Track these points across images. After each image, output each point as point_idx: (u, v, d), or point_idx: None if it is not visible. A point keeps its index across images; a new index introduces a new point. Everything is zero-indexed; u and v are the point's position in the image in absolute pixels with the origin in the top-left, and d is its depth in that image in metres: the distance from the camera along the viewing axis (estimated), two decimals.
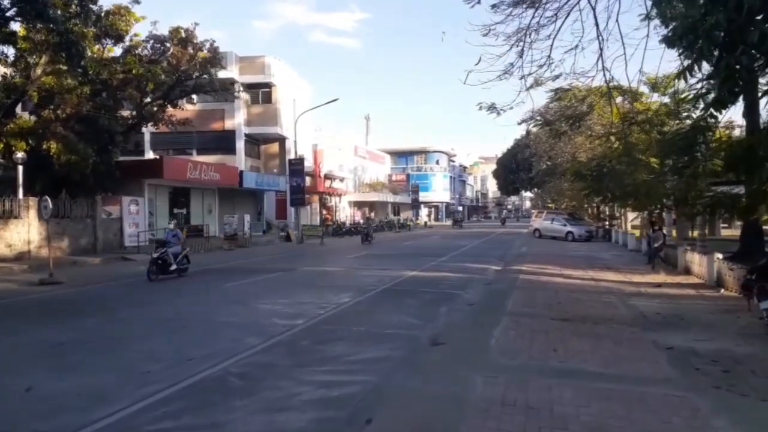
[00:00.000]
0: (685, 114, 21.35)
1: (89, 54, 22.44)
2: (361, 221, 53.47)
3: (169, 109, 26.55)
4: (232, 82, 37.29)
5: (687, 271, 16.93)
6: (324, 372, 6.56)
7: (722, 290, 13.16)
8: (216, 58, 24.79)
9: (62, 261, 20.74)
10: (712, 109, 7.17)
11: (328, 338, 8.16)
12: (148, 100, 25.13)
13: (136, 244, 25.09)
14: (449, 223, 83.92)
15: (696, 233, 28.41)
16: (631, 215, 38.13)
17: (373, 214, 62.51)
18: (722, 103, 6.86)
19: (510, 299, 11.76)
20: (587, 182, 16.35)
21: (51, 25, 17.63)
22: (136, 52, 24.58)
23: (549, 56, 13.95)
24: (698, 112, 15.28)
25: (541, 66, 14.61)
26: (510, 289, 13.26)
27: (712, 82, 11.76)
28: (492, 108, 16.35)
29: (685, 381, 6.30)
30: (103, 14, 21.15)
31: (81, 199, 23.84)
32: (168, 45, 24.67)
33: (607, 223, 40.31)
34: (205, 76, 24.84)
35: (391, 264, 19.58)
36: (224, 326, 9.08)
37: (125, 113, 25.82)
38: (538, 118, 13.82)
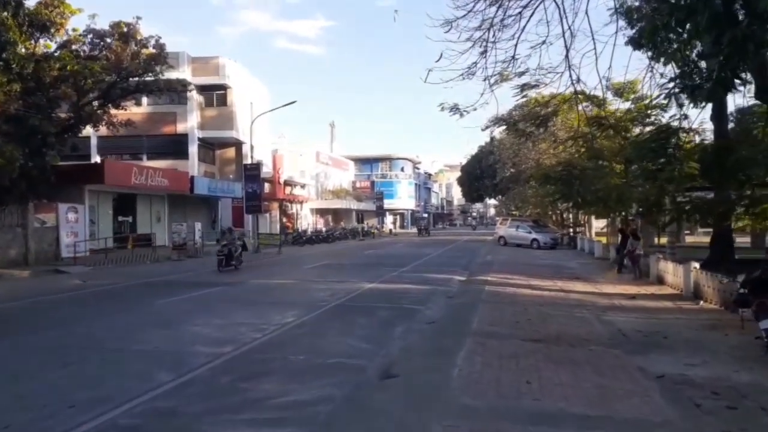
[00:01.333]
0: (651, 119, 20.72)
1: (22, 50, 20.53)
2: (324, 228, 52.00)
3: (114, 111, 24.70)
4: (184, 83, 35.58)
5: (660, 281, 16.05)
6: (240, 422, 5.15)
7: (701, 302, 12.23)
8: (161, 56, 23.03)
9: None
10: (720, 87, 6.01)
11: (256, 372, 6.74)
12: (89, 99, 23.21)
13: (75, 254, 23.13)
14: (415, 230, 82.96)
15: (665, 240, 27.93)
16: (595, 222, 37.76)
17: (343, 223, 61.07)
18: (724, 84, 5.76)
19: (475, 316, 10.54)
20: (556, 186, 15.36)
21: None
22: (74, 47, 22.68)
23: (513, 56, 12.89)
24: (671, 113, 14.55)
25: (505, 62, 13.52)
26: (475, 304, 12.06)
27: (684, 81, 10.67)
28: (455, 109, 15.14)
29: (688, 424, 5.13)
30: (27, 2, 19.22)
31: (11, 207, 21.79)
32: (109, 40, 22.83)
33: (571, 230, 39.83)
34: (149, 74, 23.01)
35: (348, 275, 18.22)
36: (134, 357, 7.55)
37: (65, 115, 23.85)
38: (503, 123, 12.65)
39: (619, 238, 20.44)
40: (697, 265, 13.42)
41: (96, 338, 8.78)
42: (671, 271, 15.14)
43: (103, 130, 26.13)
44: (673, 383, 6.39)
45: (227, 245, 20.59)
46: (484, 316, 10.59)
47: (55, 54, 21.82)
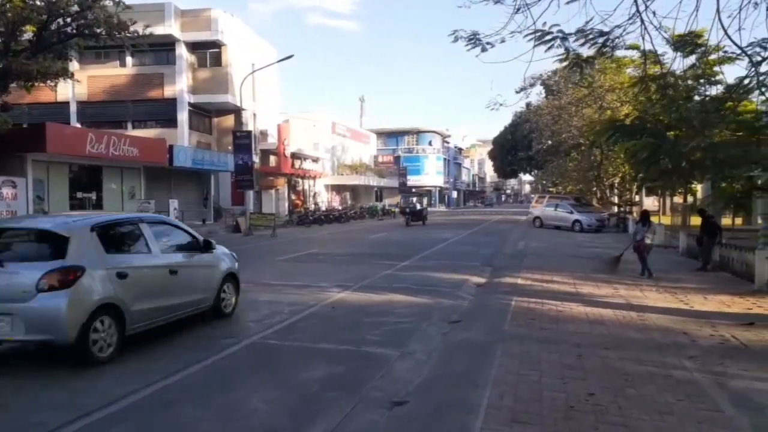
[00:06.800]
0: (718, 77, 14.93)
1: None
2: (339, 207, 47.28)
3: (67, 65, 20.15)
4: (171, 41, 30.98)
5: None
6: None
7: None
8: None
9: None
10: None
11: None
12: (18, 47, 18.60)
13: None
14: (442, 209, 77.48)
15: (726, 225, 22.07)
16: (646, 201, 31.92)
17: (373, 201, 56.22)
18: None
19: (487, 383, 5.50)
20: (639, 141, 10.00)
21: None
22: None
23: None
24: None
25: None
26: (491, 344, 6.99)
27: None
28: (474, 40, 9.72)
29: None
30: None
31: None
32: None
33: (621, 209, 34.06)
34: (89, 13, 18.06)
35: (322, 274, 13.35)
36: None
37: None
38: (549, 38, 7.54)
39: (700, 223, 15.10)
40: None
41: None
42: None
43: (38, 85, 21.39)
44: None
45: None
46: (503, 383, 5.53)
47: None
